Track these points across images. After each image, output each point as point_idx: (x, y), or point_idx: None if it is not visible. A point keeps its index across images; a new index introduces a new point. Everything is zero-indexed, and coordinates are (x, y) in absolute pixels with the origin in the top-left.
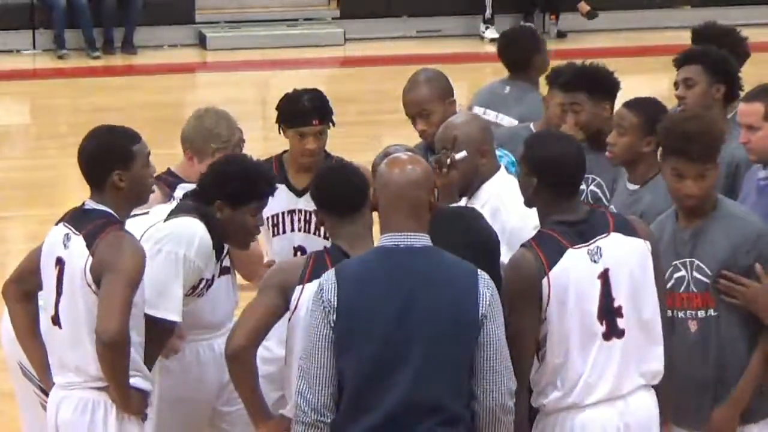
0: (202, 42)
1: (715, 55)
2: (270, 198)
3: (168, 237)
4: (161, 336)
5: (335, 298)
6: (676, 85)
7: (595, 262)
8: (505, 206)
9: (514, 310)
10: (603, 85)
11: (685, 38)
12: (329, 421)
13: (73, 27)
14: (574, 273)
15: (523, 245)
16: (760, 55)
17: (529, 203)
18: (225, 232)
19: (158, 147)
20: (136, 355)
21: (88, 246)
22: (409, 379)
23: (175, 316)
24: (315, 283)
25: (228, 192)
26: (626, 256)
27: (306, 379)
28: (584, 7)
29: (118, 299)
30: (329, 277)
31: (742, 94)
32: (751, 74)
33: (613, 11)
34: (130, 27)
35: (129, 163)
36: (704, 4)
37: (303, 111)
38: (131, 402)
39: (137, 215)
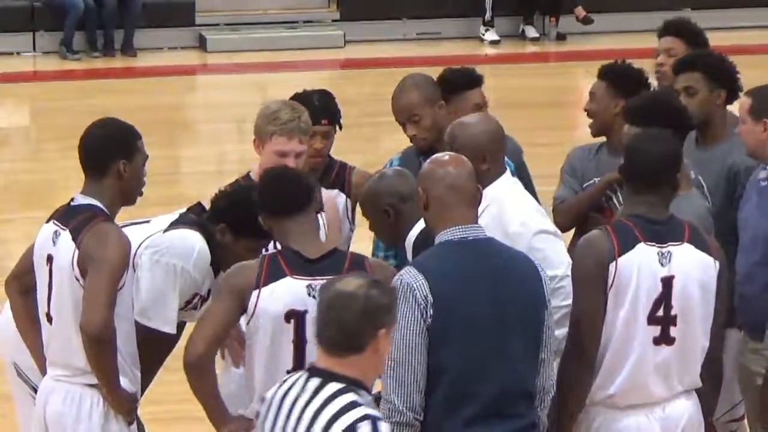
0: (202, 44)
1: (716, 61)
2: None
3: (167, 248)
4: (158, 347)
5: (430, 293)
6: (676, 93)
7: (662, 265)
8: (506, 211)
9: (584, 292)
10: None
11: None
12: (422, 418)
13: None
14: (639, 268)
15: (597, 229)
16: (760, 58)
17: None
18: (220, 254)
19: (158, 149)
20: (127, 356)
21: (74, 239)
22: (506, 366)
23: (168, 328)
24: (271, 286)
25: (234, 219)
26: (694, 269)
27: (397, 379)
28: (580, 12)
29: (103, 292)
30: (413, 274)
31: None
32: (751, 76)
33: (614, 13)
34: (130, 29)
35: (133, 155)
36: (705, 6)
37: (312, 109)
38: (121, 400)
39: (137, 223)
